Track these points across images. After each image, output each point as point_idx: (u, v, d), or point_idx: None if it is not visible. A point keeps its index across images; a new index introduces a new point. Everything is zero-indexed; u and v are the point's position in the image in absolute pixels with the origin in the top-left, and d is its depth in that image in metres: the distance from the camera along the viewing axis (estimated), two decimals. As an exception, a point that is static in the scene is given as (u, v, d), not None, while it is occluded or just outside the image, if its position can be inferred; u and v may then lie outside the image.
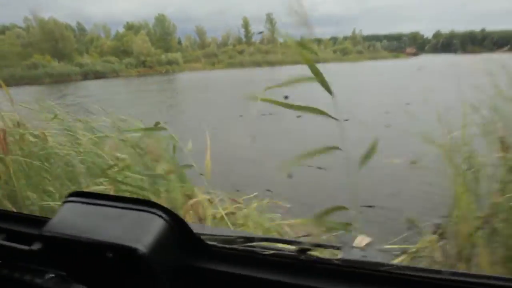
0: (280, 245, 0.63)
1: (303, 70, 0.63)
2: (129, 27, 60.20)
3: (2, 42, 44.97)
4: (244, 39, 66.26)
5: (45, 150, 2.60)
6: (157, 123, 2.71)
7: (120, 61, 48.77)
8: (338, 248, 0.60)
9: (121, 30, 59.79)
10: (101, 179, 2.30)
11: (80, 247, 0.58)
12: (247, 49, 59.72)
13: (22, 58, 41.53)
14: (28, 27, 50.27)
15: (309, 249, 0.56)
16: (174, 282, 0.59)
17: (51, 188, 2.44)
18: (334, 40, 64.91)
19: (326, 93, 0.62)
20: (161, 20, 61.00)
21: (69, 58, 45.98)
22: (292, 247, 0.58)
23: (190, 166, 2.24)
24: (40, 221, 0.76)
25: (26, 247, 0.68)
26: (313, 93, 0.85)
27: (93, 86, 29.94)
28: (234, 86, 21.86)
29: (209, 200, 2.14)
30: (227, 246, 0.62)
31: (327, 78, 0.62)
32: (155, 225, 0.56)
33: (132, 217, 0.58)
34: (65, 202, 0.67)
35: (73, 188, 2.52)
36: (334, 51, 58.10)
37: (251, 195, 2.47)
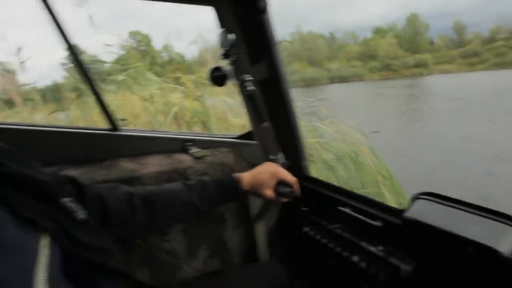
0: None
1: None
2: (377, 31, 60.34)
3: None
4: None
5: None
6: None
7: (365, 65, 49.95)
8: None
9: (369, 35, 60.97)
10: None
11: (437, 236, 0.61)
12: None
13: (285, 66, 51.18)
14: (293, 41, 60.73)
15: None
16: None
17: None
18: None
19: None
20: (412, 20, 57.14)
21: (320, 64, 51.93)
22: None
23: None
24: (378, 204, 0.88)
25: (372, 222, 0.82)
26: None
27: (334, 89, 32.25)
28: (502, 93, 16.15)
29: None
30: None
31: None
32: None
33: (490, 224, 0.59)
34: (416, 198, 0.73)
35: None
36: None
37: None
